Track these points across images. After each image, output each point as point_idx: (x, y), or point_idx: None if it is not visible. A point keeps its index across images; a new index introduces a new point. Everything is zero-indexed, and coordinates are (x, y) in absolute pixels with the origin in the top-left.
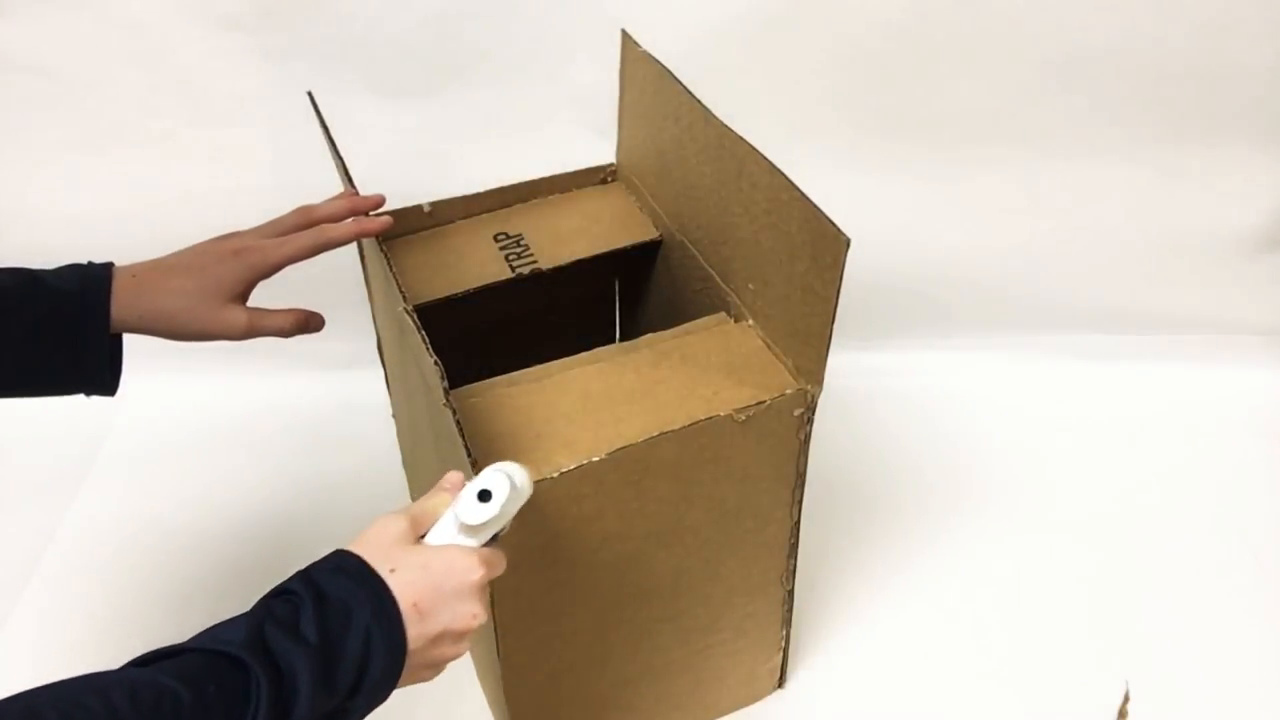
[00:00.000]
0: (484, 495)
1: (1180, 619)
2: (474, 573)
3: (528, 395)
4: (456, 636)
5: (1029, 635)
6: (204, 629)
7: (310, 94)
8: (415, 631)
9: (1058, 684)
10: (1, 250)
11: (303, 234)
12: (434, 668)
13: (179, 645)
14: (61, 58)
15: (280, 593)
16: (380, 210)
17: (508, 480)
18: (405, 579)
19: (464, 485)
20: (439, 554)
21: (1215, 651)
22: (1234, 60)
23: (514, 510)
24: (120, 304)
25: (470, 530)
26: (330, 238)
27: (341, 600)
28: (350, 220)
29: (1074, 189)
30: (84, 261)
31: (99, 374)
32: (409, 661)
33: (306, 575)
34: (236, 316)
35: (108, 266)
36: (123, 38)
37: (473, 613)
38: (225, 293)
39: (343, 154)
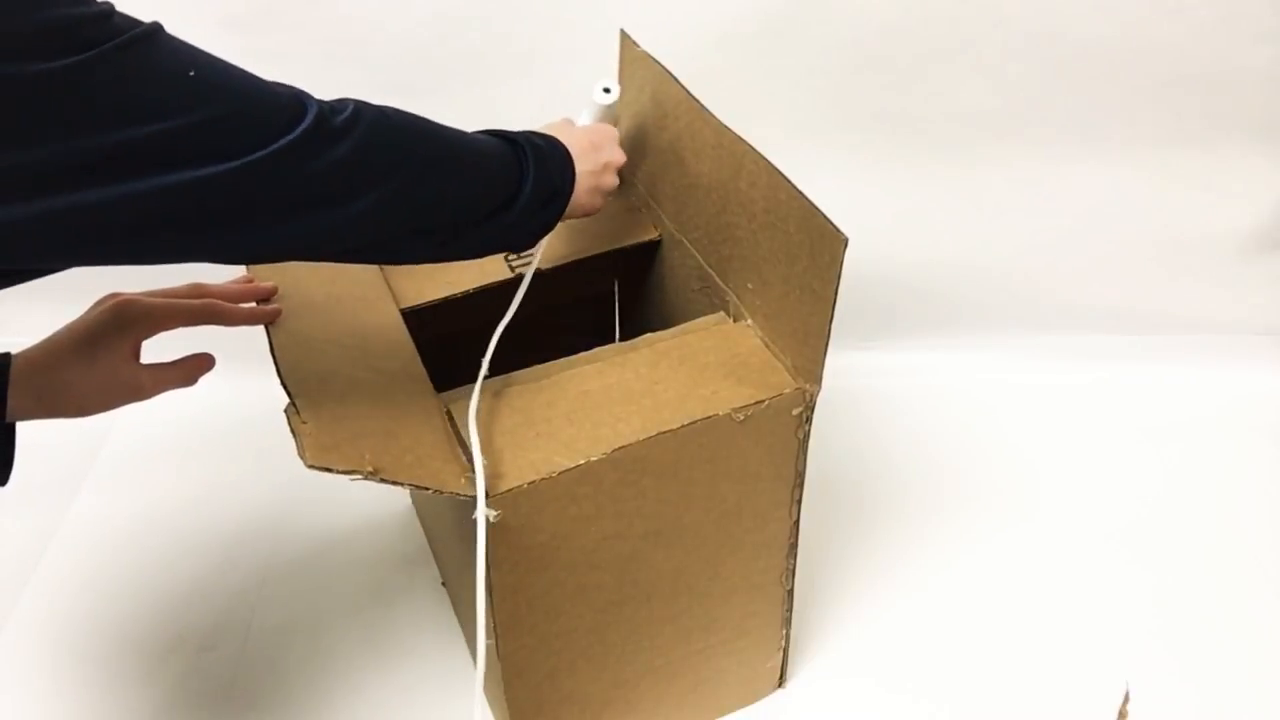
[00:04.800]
0: (606, 90)
1: (1180, 619)
2: (613, 130)
3: (528, 395)
4: (615, 168)
5: (1030, 635)
6: None
7: None
8: (589, 158)
9: (1058, 684)
10: None
11: (192, 301)
12: (602, 191)
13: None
14: None
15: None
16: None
17: (616, 84)
18: (574, 135)
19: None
20: (590, 126)
21: (1215, 652)
22: (1234, 61)
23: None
24: (19, 390)
25: (602, 110)
26: (220, 313)
27: (536, 140)
28: (248, 306)
29: (1074, 189)
30: None
31: None
32: (585, 182)
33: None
34: (136, 377)
35: (4, 356)
36: None
37: (621, 152)
38: (117, 353)
39: None
